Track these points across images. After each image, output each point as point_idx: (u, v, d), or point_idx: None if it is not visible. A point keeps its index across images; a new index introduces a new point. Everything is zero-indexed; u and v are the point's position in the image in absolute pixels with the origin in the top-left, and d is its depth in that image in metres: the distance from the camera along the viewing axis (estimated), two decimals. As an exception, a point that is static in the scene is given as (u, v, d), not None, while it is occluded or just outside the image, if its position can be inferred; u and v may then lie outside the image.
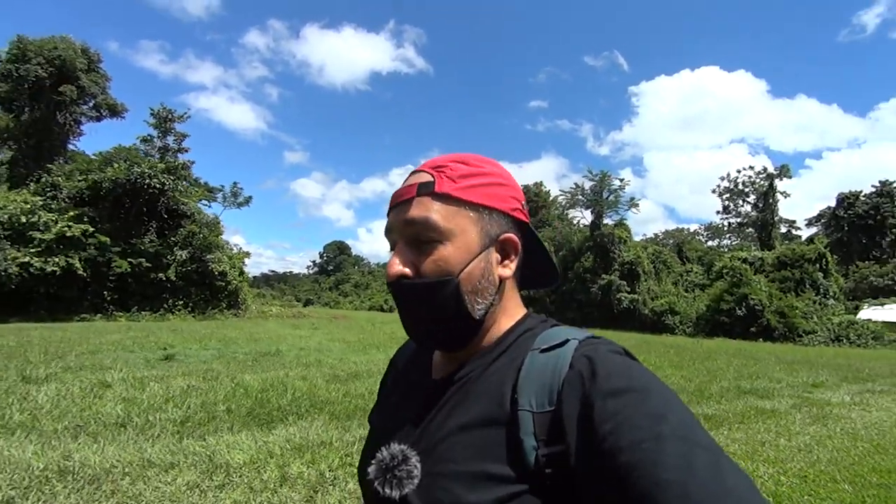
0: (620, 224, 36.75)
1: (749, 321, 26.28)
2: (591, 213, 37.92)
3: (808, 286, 28.81)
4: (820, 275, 28.96)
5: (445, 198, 0.57)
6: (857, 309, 29.64)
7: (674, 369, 9.67)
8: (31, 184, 22.41)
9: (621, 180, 37.32)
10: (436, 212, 0.56)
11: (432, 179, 0.58)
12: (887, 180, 39.94)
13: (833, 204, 44.58)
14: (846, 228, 40.16)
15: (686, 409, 0.43)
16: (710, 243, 61.75)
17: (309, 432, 3.94)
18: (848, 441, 4.74)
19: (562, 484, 0.45)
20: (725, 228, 61.16)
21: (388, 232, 0.60)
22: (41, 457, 3.23)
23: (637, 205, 37.26)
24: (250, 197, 33.03)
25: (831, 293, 28.73)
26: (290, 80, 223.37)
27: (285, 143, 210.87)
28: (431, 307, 0.56)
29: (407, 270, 0.56)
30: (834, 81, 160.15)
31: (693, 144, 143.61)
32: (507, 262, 0.60)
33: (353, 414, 4.80)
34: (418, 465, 0.53)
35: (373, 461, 0.57)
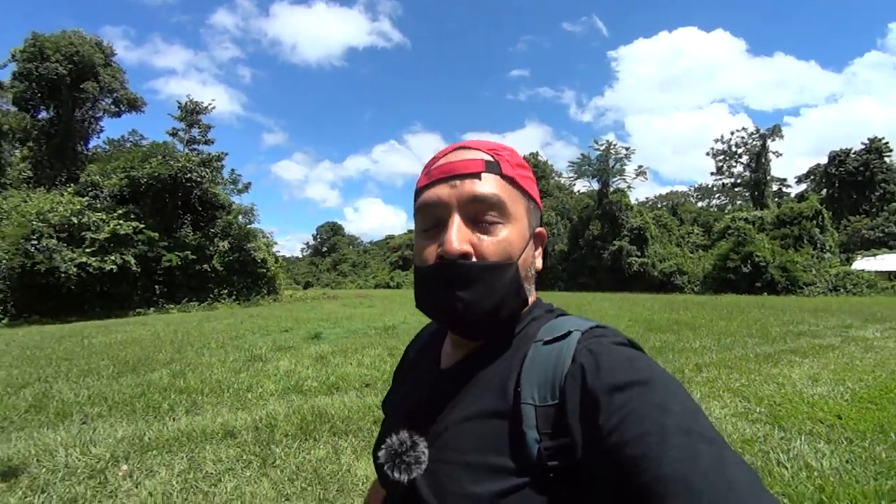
0: (623, 191, 38.42)
1: (754, 277, 28.50)
2: (598, 181, 39.43)
3: (805, 241, 31.14)
4: (817, 230, 31.28)
5: (511, 181, 0.57)
6: (849, 261, 32.24)
7: (725, 322, 11.34)
8: (68, 184, 22.92)
9: (627, 149, 38.73)
10: (504, 192, 0.56)
11: (495, 161, 0.57)
12: (876, 137, 42.21)
13: (816, 158, 47.13)
14: (837, 185, 42.56)
15: (690, 400, 0.43)
16: (700, 204, 64.07)
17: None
18: (902, 360, 6.42)
19: (564, 477, 0.45)
20: (715, 189, 63.25)
21: (435, 207, 0.56)
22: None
23: (645, 172, 38.83)
24: (249, 183, 30.54)
25: (828, 247, 31.16)
26: (263, 60, 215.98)
27: (263, 125, 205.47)
28: (491, 291, 0.54)
29: (469, 248, 0.54)
30: (811, 37, 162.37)
31: (674, 105, 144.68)
32: (537, 254, 0.62)
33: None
34: (426, 452, 0.54)
35: (382, 446, 0.58)
